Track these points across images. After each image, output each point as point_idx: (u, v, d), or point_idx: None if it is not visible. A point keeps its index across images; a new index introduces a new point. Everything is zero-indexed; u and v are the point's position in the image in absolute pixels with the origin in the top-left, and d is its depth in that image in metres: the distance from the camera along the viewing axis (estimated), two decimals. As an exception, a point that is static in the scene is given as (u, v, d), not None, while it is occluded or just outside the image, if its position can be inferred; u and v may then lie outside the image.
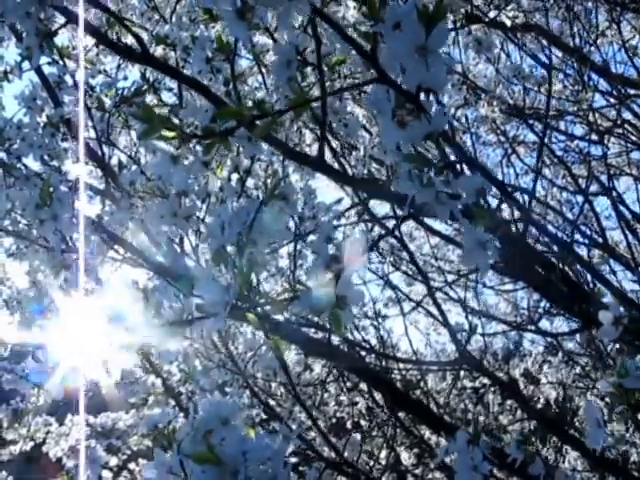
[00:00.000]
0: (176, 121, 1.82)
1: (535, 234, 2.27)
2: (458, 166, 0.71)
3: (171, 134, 0.68)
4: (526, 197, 2.99)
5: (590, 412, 0.83)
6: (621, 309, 0.87)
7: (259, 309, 0.83)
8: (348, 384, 2.82)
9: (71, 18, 0.90)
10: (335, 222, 2.20)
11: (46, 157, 1.50)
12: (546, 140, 2.57)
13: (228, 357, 1.63)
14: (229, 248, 0.83)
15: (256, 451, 0.67)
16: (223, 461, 0.66)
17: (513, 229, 1.26)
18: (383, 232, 1.81)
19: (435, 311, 1.79)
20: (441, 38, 0.62)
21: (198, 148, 0.76)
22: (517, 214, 1.64)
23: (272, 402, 2.30)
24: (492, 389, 3.14)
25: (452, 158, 0.80)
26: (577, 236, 2.99)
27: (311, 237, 1.27)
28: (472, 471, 0.94)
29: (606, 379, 0.79)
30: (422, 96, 0.69)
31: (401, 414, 2.29)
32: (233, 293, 0.75)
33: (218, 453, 0.66)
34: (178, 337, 0.79)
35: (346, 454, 2.24)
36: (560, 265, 1.22)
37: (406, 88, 0.65)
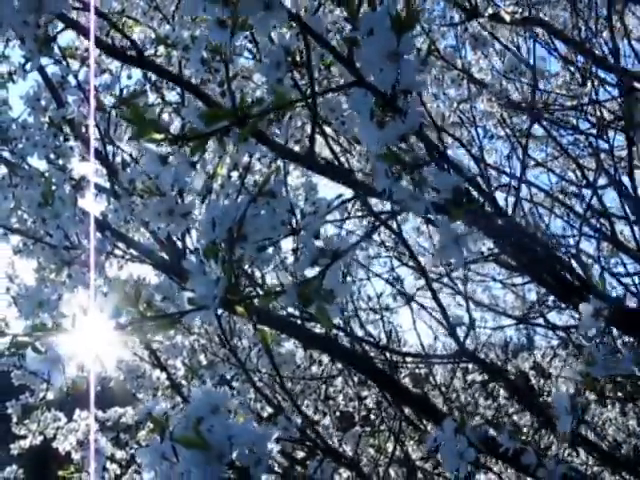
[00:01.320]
0: (178, 119, 1.86)
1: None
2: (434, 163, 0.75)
3: (159, 136, 0.72)
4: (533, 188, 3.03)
5: (558, 400, 0.87)
6: (599, 303, 0.91)
7: (249, 302, 0.88)
8: (355, 378, 2.86)
9: (69, 24, 0.94)
10: (334, 216, 2.24)
11: (52, 156, 1.55)
12: (544, 133, 2.60)
13: (231, 352, 1.68)
14: (220, 243, 0.88)
15: (241, 436, 0.72)
16: (210, 445, 0.71)
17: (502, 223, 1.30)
18: (380, 225, 1.86)
19: (435, 305, 1.82)
20: (411, 44, 0.66)
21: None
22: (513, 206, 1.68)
23: (278, 397, 2.34)
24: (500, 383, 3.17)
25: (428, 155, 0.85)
26: (586, 229, 3.02)
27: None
28: (458, 458, 0.99)
29: (573, 367, 0.83)
30: (401, 97, 0.73)
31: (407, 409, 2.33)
32: (222, 287, 0.80)
33: (206, 438, 0.71)
34: (171, 329, 0.83)
35: (349, 447, 2.29)
36: (548, 258, 1.26)
37: (382, 90, 0.69)
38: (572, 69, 2.60)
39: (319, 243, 0.88)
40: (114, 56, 1.03)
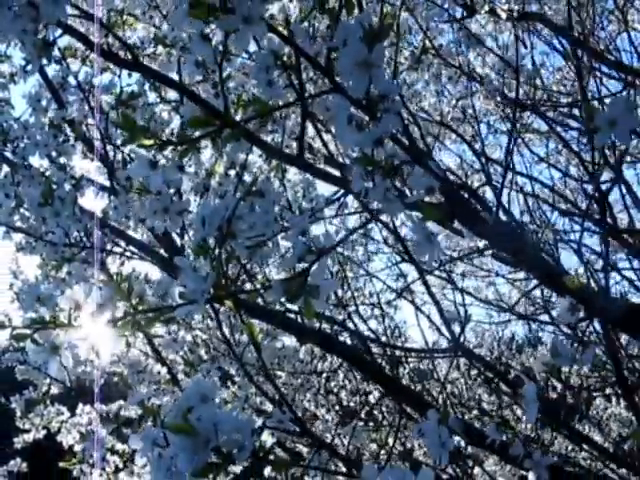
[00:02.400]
0: (177, 117, 1.92)
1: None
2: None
3: (149, 142, 0.78)
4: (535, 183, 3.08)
5: (528, 391, 0.93)
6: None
7: (238, 297, 0.94)
8: (357, 373, 2.92)
9: (67, 30, 1.00)
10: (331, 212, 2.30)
11: (53, 153, 1.61)
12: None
13: (228, 346, 1.74)
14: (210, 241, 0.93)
15: (226, 423, 0.77)
16: (197, 432, 0.76)
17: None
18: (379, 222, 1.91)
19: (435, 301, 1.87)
20: (382, 54, 0.72)
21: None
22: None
23: (275, 391, 2.40)
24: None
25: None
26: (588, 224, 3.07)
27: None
28: (440, 447, 1.04)
29: (540, 359, 0.88)
30: (380, 103, 0.79)
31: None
32: (210, 282, 0.86)
33: (193, 424, 0.77)
34: (164, 322, 0.89)
35: (349, 441, 2.35)
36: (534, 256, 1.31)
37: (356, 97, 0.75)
38: (571, 65, 2.64)
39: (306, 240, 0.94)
40: (111, 60, 1.08)
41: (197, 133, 0.85)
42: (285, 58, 1.15)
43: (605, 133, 0.67)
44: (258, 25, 0.71)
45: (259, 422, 0.81)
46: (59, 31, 1.14)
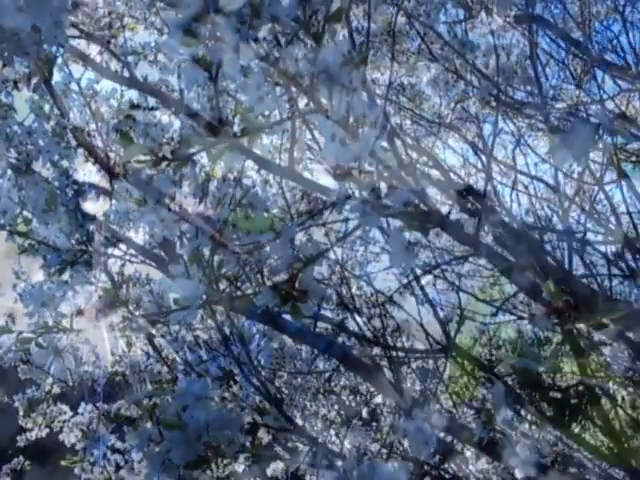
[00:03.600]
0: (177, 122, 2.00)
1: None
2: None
3: (146, 158, 0.86)
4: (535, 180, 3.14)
5: (496, 392, 1.00)
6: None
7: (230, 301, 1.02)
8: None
9: (68, 50, 1.08)
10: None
11: (56, 157, 1.69)
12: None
13: (226, 346, 1.82)
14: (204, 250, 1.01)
15: (217, 420, 0.86)
16: (189, 428, 0.85)
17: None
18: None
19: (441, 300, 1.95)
20: (360, 80, 0.79)
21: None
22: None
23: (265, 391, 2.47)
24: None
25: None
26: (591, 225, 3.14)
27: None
28: (424, 445, 1.12)
29: (506, 361, 0.96)
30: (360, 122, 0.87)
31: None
32: (203, 290, 0.94)
33: (185, 421, 0.85)
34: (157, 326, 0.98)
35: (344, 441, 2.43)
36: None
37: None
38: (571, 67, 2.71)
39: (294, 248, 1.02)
40: (111, 79, 1.16)
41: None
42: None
43: (563, 156, 0.75)
44: (246, 53, 0.79)
45: (249, 419, 0.88)
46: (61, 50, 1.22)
